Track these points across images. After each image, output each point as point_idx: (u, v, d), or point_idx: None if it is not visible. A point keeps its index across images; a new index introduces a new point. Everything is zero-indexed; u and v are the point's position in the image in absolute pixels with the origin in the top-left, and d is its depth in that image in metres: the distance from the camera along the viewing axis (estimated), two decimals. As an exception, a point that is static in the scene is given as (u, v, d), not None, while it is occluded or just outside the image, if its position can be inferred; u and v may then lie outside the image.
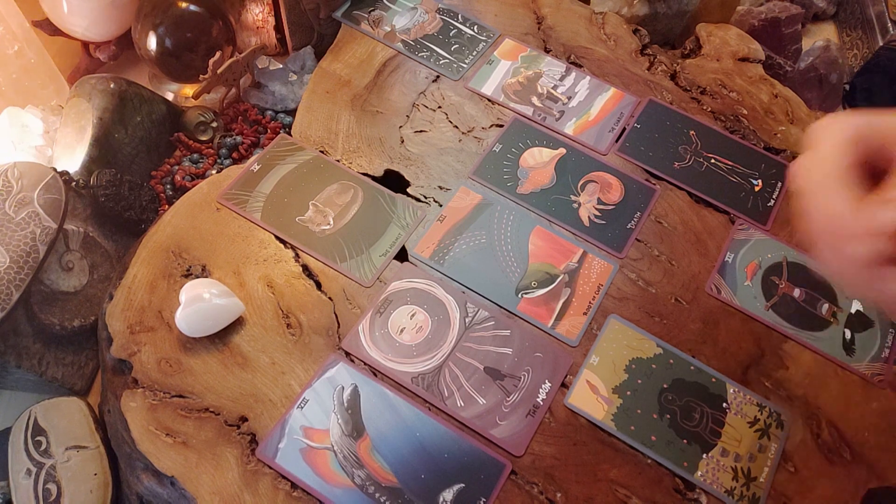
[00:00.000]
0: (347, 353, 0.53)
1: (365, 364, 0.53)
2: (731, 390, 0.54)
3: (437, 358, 0.53)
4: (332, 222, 0.60)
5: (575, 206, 0.62)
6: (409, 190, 0.63)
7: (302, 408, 0.51)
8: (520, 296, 0.57)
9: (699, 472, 0.50)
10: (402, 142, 0.66)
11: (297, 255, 0.58)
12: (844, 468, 0.51)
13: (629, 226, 0.61)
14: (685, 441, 0.51)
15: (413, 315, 0.55)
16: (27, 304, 0.55)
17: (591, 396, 0.53)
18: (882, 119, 0.34)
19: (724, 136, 0.68)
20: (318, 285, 0.57)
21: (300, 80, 0.74)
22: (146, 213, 0.65)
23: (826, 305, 0.59)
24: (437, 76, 0.70)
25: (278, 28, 0.76)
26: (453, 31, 0.74)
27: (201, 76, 0.69)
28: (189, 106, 0.72)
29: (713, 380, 0.54)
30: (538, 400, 0.52)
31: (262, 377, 0.52)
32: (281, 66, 0.76)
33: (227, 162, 0.70)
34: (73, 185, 0.60)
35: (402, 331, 0.55)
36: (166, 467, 0.48)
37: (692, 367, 0.55)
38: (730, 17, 0.83)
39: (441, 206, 0.62)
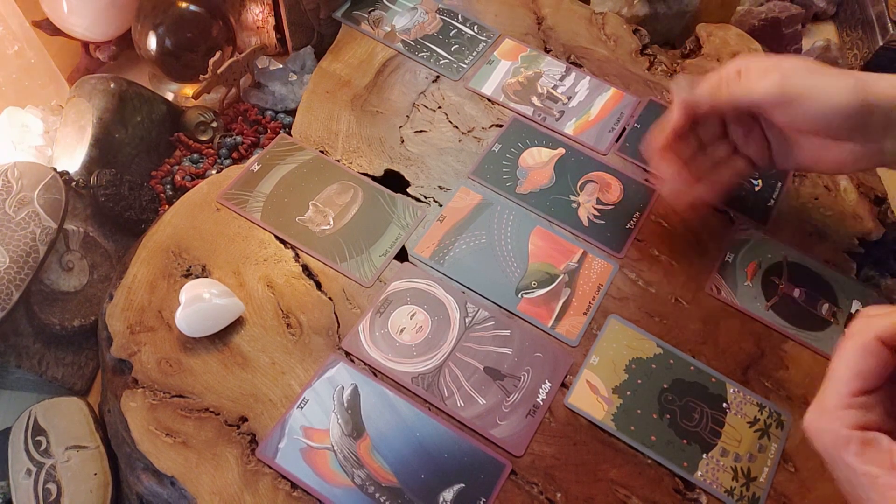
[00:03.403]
0: (347, 353, 0.53)
1: (365, 364, 0.53)
2: (731, 390, 0.54)
3: (437, 358, 0.53)
4: (332, 222, 0.60)
5: (574, 206, 0.62)
6: (409, 190, 0.63)
7: (302, 408, 0.51)
8: (520, 296, 0.57)
9: (699, 472, 0.50)
10: (402, 142, 0.66)
11: (297, 255, 0.58)
12: (844, 468, 0.51)
13: (628, 226, 0.61)
14: (685, 441, 0.51)
15: (413, 315, 0.55)
16: (27, 304, 0.55)
17: (591, 396, 0.53)
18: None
19: (724, 136, 0.68)
20: (318, 285, 0.57)
21: (300, 80, 0.74)
22: (146, 213, 0.65)
23: (826, 305, 0.59)
24: (437, 76, 0.70)
25: (278, 28, 0.76)
26: (453, 31, 0.74)
27: (201, 76, 0.69)
28: (189, 106, 0.72)
29: (713, 380, 0.54)
30: (538, 400, 0.52)
31: (262, 377, 0.52)
32: (281, 66, 0.76)
33: (227, 162, 0.70)
34: (73, 185, 0.60)
35: (402, 331, 0.55)
36: (166, 467, 0.48)
37: (692, 368, 0.55)
38: (730, 17, 0.83)
39: (441, 206, 0.62)
